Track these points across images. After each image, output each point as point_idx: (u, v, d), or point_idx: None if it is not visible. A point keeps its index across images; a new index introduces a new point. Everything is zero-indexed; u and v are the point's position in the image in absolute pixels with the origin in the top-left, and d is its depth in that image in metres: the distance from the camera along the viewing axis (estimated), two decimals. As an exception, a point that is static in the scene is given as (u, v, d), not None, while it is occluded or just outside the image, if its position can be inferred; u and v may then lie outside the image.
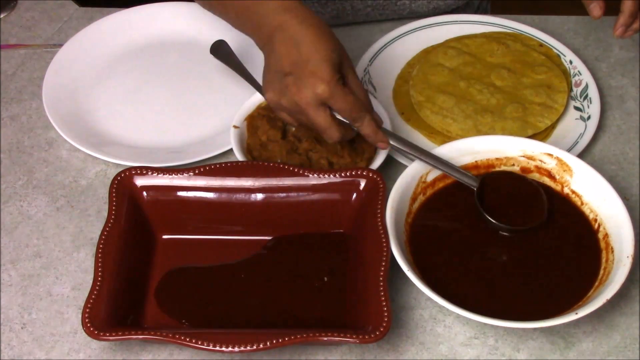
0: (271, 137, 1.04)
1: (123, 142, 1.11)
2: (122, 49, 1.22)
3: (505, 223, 0.96)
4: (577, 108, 1.13)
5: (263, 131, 1.05)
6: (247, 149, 1.05)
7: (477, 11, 1.36)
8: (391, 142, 0.98)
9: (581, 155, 1.05)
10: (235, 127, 1.06)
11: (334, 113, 0.94)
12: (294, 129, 1.06)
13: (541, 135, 1.10)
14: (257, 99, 1.09)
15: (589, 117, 1.10)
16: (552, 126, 1.11)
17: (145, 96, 1.17)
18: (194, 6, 1.25)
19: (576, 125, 1.11)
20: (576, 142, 1.07)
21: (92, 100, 1.16)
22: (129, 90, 1.18)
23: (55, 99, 1.13)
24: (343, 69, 0.95)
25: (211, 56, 1.16)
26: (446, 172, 0.99)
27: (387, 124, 1.06)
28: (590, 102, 1.12)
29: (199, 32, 1.23)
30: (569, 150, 1.06)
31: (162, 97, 1.17)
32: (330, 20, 1.23)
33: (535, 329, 0.93)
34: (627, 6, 1.03)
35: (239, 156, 1.03)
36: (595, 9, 1.02)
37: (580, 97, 1.13)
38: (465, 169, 1.01)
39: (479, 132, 1.08)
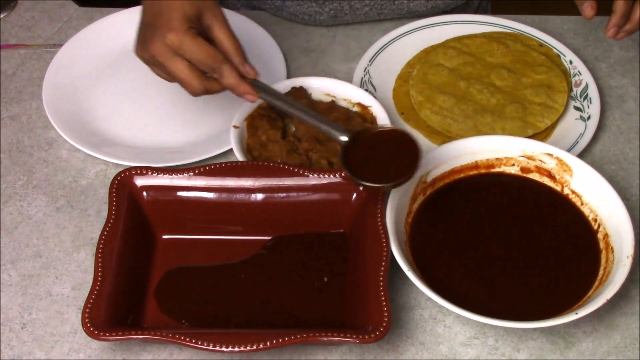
0: (271, 137, 1.04)
1: (123, 142, 1.11)
2: (122, 49, 1.22)
3: (368, 180, 0.92)
4: (577, 108, 1.13)
5: (263, 131, 1.05)
6: (247, 149, 1.05)
7: (477, 11, 1.36)
8: (261, 95, 0.96)
9: (581, 155, 1.05)
10: (235, 127, 1.06)
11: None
12: (294, 129, 1.06)
13: (541, 135, 1.10)
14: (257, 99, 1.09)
15: (589, 117, 1.10)
16: (552, 126, 1.11)
17: (145, 96, 1.17)
18: None
19: (576, 125, 1.11)
20: (576, 142, 1.07)
21: (92, 100, 1.16)
22: (129, 90, 1.18)
23: (55, 99, 1.14)
24: (205, 19, 0.95)
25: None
26: (314, 125, 0.96)
27: (387, 124, 1.06)
28: (590, 102, 1.12)
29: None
30: (569, 150, 1.06)
31: (162, 97, 1.17)
32: (328, 20, 1.23)
33: (535, 329, 0.93)
34: (619, 6, 1.02)
35: (239, 156, 1.03)
36: (587, 9, 1.02)
37: (580, 97, 1.13)
38: (465, 169, 1.01)
39: (479, 132, 1.08)
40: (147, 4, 0.97)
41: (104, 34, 1.22)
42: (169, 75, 0.97)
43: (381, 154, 0.95)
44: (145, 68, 1.20)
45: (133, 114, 1.15)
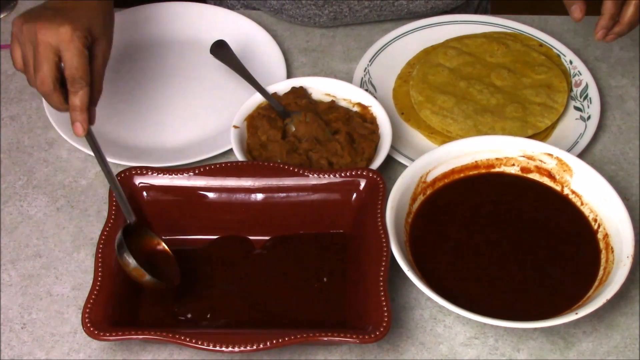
0: (271, 137, 1.05)
1: (123, 142, 1.11)
2: (122, 49, 1.22)
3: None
4: (577, 108, 1.13)
5: (263, 131, 1.05)
6: (247, 149, 1.05)
7: (476, 11, 1.36)
8: (87, 136, 0.95)
9: (581, 155, 1.05)
10: (235, 127, 1.06)
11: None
12: (294, 129, 1.06)
13: (541, 135, 1.10)
14: (257, 99, 1.09)
15: (589, 117, 1.10)
16: (552, 126, 1.11)
17: (145, 96, 1.17)
18: (194, 6, 1.25)
19: (576, 125, 1.11)
20: (576, 142, 1.07)
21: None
22: (129, 90, 1.18)
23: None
24: (95, 34, 0.96)
25: (211, 56, 1.16)
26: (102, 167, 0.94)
27: (387, 124, 1.06)
28: (590, 102, 1.12)
29: (199, 32, 1.23)
30: (569, 150, 1.06)
31: (162, 97, 1.17)
32: (328, 22, 1.23)
33: (535, 329, 0.93)
34: (607, 8, 0.99)
35: (239, 156, 1.03)
36: (576, 11, 1.00)
37: (580, 97, 1.13)
38: (465, 169, 1.01)
39: (479, 132, 1.08)
40: None
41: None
42: (24, 61, 0.95)
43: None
44: (145, 68, 1.20)
45: (133, 114, 1.15)
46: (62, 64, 0.93)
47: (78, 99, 0.94)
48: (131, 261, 0.89)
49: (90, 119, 0.95)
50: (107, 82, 1.18)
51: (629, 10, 0.99)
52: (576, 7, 1.00)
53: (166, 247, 0.94)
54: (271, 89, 1.10)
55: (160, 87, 1.18)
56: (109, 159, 1.06)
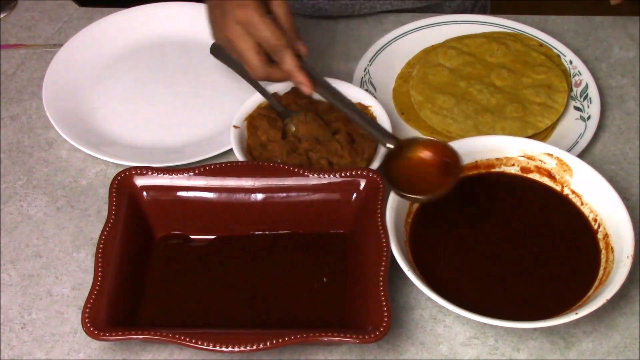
0: (271, 137, 1.04)
1: (123, 142, 1.11)
2: (122, 49, 1.22)
3: (408, 191, 0.93)
4: (577, 108, 1.13)
5: (263, 131, 1.05)
6: (247, 149, 1.05)
7: (473, 10, 1.36)
8: (316, 88, 0.98)
9: (581, 155, 1.05)
10: (235, 127, 1.06)
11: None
12: (294, 129, 1.06)
13: (541, 135, 1.10)
14: (257, 99, 1.09)
15: (589, 117, 1.10)
16: (552, 126, 1.11)
17: (145, 96, 1.17)
18: (194, 6, 1.25)
19: (576, 125, 1.11)
20: (576, 142, 1.07)
21: (92, 100, 1.16)
22: (129, 90, 1.18)
23: (55, 99, 1.14)
24: None
25: (211, 56, 1.16)
26: (364, 127, 0.97)
27: (387, 124, 1.06)
28: (590, 102, 1.12)
29: (199, 32, 1.23)
30: (569, 150, 1.06)
31: (162, 97, 1.17)
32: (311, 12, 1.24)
33: (535, 329, 0.93)
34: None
35: (239, 156, 1.03)
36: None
37: (580, 97, 1.13)
38: (465, 169, 1.01)
39: (479, 132, 1.08)
40: None
41: (104, 34, 1.22)
42: (238, 55, 0.98)
43: (422, 165, 0.96)
44: (145, 68, 1.20)
45: (133, 114, 1.15)
46: (257, 39, 0.96)
47: (286, 64, 0.96)
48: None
49: (302, 51, 0.97)
50: (107, 82, 1.19)
51: None
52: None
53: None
54: (271, 89, 1.10)
55: (161, 87, 1.18)
56: (109, 159, 1.07)
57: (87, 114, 1.14)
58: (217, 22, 0.98)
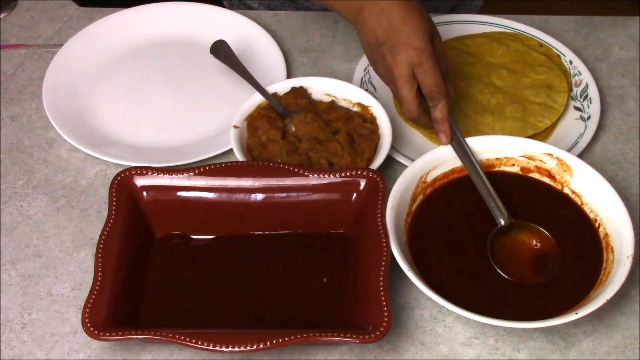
0: (271, 137, 1.05)
1: (123, 142, 1.11)
2: (122, 49, 1.22)
3: (503, 269, 0.93)
4: (577, 108, 1.13)
5: (263, 131, 1.05)
6: (247, 149, 1.05)
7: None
8: (452, 143, 1.00)
9: (581, 155, 1.05)
10: (235, 127, 1.06)
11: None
12: (294, 128, 1.06)
13: (541, 135, 1.10)
14: (257, 99, 1.09)
15: (589, 117, 1.10)
16: (552, 126, 1.11)
17: (145, 96, 1.17)
18: (194, 6, 1.25)
19: (576, 125, 1.11)
20: (576, 142, 1.07)
21: (92, 100, 1.16)
22: (129, 90, 1.18)
23: (55, 99, 1.14)
24: (432, 38, 0.98)
25: (211, 56, 1.16)
26: (483, 196, 0.97)
27: (387, 124, 1.06)
28: (590, 102, 1.12)
29: (199, 32, 1.23)
30: (569, 150, 1.06)
31: (162, 97, 1.17)
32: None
33: (535, 329, 0.93)
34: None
35: (239, 156, 1.03)
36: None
37: (580, 97, 1.13)
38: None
39: (479, 132, 1.08)
40: (373, 21, 0.97)
41: (104, 34, 1.22)
42: (397, 93, 1.00)
43: (524, 249, 0.96)
44: (145, 68, 1.20)
45: (133, 113, 1.15)
46: (419, 82, 0.97)
47: (438, 112, 0.99)
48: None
49: (449, 96, 1.01)
50: (107, 82, 1.19)
51: None
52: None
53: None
54: (271, 89, 1.10)
55: (161, 87, 1.18)
56: (109, 159, 1.07)
57: (87, 113, 1.14)
58: (383, 55, 0.97)
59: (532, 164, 1.02)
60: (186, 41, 1.24)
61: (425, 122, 1.02)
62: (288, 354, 0.91)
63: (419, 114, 1.00)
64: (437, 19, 1.23)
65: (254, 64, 1.16)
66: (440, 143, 1.01)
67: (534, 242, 0.96)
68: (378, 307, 0.87)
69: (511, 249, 0.96)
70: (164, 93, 1.17)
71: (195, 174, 0.98)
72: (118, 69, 1.20)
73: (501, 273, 0.93)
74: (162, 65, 1.21)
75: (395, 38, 0.96)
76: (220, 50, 1.15)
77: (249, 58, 1.17)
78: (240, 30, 1.23)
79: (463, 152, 1.00)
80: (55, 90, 1.15)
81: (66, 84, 1.16)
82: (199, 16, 1.25)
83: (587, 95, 1.13)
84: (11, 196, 1.06)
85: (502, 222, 0.96)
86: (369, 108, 1.09)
